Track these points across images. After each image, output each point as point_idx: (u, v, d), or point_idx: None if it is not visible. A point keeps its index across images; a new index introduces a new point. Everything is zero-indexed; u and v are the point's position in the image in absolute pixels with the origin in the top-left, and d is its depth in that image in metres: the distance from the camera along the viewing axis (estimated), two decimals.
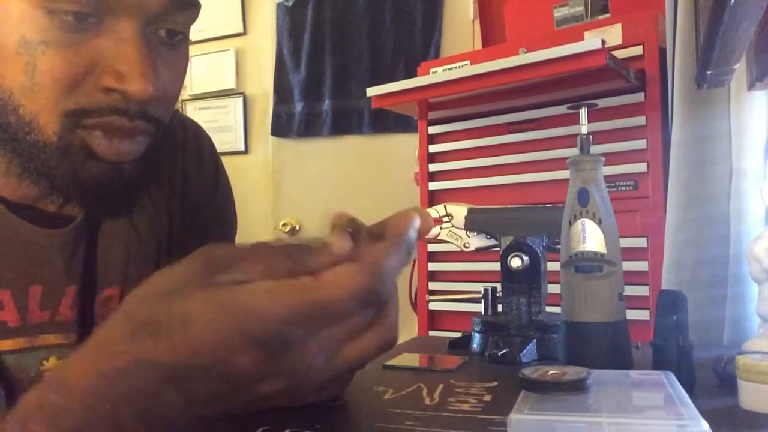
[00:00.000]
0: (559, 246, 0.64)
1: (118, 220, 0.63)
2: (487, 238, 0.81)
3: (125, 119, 0.52)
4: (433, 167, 1.70)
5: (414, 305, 1.85)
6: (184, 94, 2.76)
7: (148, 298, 0.38)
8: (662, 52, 1.36)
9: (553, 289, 0.68)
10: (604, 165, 0.62)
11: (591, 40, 1.32)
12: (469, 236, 0.81)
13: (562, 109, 1.47)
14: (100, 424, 0.36)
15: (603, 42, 1.27)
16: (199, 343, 0.35)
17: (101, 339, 0.38)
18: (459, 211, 0.82)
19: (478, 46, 2.03)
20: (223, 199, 0.76)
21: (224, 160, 0.79)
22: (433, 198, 1.69)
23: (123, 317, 0.38)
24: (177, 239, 0.69)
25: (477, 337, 0.77)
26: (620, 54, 1.36)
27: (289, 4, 2.52)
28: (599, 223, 0.60)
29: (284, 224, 2.49)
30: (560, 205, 0.65)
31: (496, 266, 0.76)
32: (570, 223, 0.61)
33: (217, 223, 0.75)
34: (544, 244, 0.75)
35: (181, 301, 0.36)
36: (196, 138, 0.74)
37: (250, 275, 0.37)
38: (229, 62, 2.68)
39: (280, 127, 2.53)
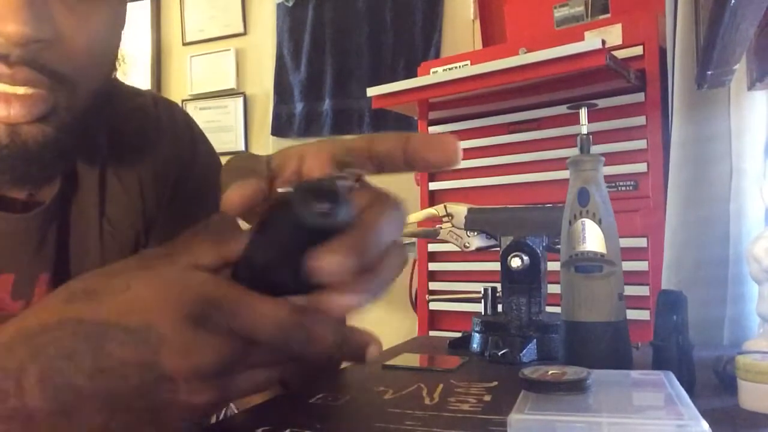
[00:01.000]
0: (559, 246, 0.63)
1: (88, 209, 0.61)
2: (487, 238, 0.80)
3: (3, 65, 0.46)
4: None
5: (414, 305, 1.85)
6: (184, 94, 2.76)
7: (94, 274, 0.38)
8: (662, 52, 1.36)
9: (553, 289, 0.68)
10: (604, 165, 0.62)
11: (591, 40, 1.32)
12: (469, 236, 0.81)
13: (562, 109, 1.47)
14: (2, 382, 0.34)
15: (603, 42, 1.27)
16: (130, 304, 0.35)
17: (37, 304, 0.37)
18: (459, 211, 0.82)
19: (479, 46, 2.03)
20: (204, 172, 0.73)
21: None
22: (433, 198, 1.69)
23: (63, 288, 0.37)
24: (156, 219, 0.68)
25: (477, 337, 0.77)
26: (620, 54, 1.36)
27: (289, 4, 2.52)
28: (599, 223, 0.60)
29: None
30: (560, 205, 0.65)
31: (496, 266, 0.76)
32: (570, 223, 0.61)
33: (198, 198, 0.72)
34: (544, 244, 0.75)
35: (124, 275, 0.36)
36: (168, 112, 0.71)
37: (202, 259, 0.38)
38: (230, 62, 2.68)
39: (281, 127, 2.53)
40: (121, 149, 0.64)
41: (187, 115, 0.75)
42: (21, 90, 0.47)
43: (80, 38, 0.49)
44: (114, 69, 0.56)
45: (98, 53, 0.52)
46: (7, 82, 0.46)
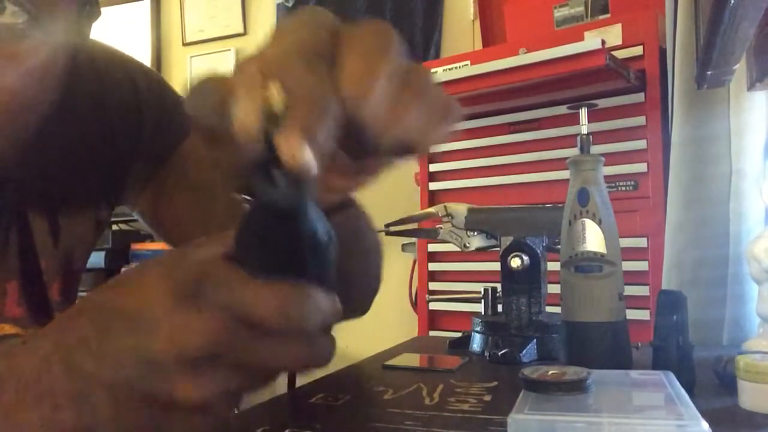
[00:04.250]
0: (559, 246, 0.63)
1: (42, 211, 0.59)
2: (487, 238, 0.80)
3: None
4: (433, 167, 1.70)
5: (414, 305, 1.85)
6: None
7: (148, 260, 0.38)
8: (662, 52, 1.36)
9: (553, 289, 0.68)
10: (604, 165, 0.62)
11: (591, 40, 1.32)
12: (469, 236, 0.81)
13: (562, 109, 1.47)
14: (40, 366, 0.35)
15: (603, 42, 1.27)
16: (133, 288, 0.35)
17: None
18: (459, 211, 0.82)
19: (478, 46, 2.03)
20: (156, 99, 0.68)
21: None
22: (433, 198, 1.69)
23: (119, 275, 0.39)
24: (127, 170, 0.66)
25: (477, 337, 0.77)
26: (620, 54, 1.36)
27: (289, 4, 2.52)
28: (599, 223, 0.60)
29: None
30: (560, 205, 0.65)
31: (496, 266, 0.76)
32: (570, 223, 0.61)
33: (167, 129, 0.68)
34: (544, 244, 0.75)
35: (144, 268, 0.37)
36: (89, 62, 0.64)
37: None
38: (230, 62, 2.68)
39: None
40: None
41: (109, 49, 0.69)
42: None
43: None
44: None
45: (28, 98, 0.47)
46: None
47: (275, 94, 0.29)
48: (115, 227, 2.54)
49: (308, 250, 0.33)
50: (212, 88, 0.33)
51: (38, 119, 0.49)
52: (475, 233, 0.81)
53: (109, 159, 0.65)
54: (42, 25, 0.45)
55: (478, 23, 2.05)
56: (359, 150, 0.34)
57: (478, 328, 0.77)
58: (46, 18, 0.45)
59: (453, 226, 0.82)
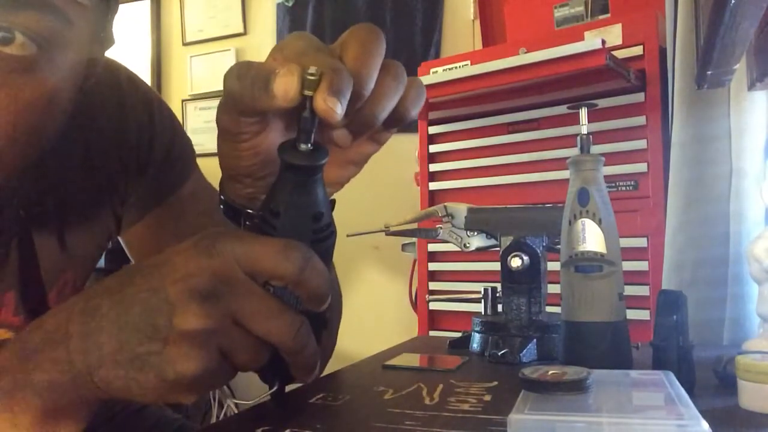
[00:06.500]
0: (559, 246, 0.63)
1: (48, 222, 0.60)
2: (487, 238, 0.80)
3: None
4: (433, 167, 1.71)
5: (414, 305, 1.85)
6: (184, 94, 2.76)
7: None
8: (662, 52, 1.36)
9: (553, 289, 0.68)
10: (604, 165, 0.62)
11: (591, 40, 1.32)
12: (469, 236, 0.81)
13: (562, 109, 1.47)
14: (64, 313, 0.39)
15: (603, 42, 1.27)
16: (156, 269, 0.39)
17: None
18: (459, 211, 0.82)
19: (478, 46, 2.03)
20: (166, 133, 0.70)
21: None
22: (433, 198, 1.69)
23: None
24: (130, 192, 0.68)
25: (477, 337, 0.77)
26: (620, 54, 1.36)
27: (289, 4, 2.52)
28: (599, 223, 0.60)
29: None
30: (560, 205, 0.65)
31: (496, 266, 0.76)
32: (570, 223, 0.61)
33: (169, 158, 0.70)
34: (544, 244, 0.75)
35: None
36: (113, 83, 0.66)
37: None
38: (230, 62, 2.68)
39: None
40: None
41: (131, 75, 0.70)
42: None
43: (3, 117, 0.44)
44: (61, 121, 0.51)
45: (32, 127, 0.46)
46: None
47: (311, 67, 0.38)
48: None
49: (322, 206, 0.42)
50: (249, 67, 0.40)
51: (43, 146, 0.49)
52: (475, 233, 0.81)
53: (118, 183, 0.66)
54: (51, 57, 0.45)
55: (478, 23, 2.05)
56: (360, 125, 0.43)
57: (478, 328, 0.77)
58: (55, 49, 0.45)
59: (453, 226, 0.82)
